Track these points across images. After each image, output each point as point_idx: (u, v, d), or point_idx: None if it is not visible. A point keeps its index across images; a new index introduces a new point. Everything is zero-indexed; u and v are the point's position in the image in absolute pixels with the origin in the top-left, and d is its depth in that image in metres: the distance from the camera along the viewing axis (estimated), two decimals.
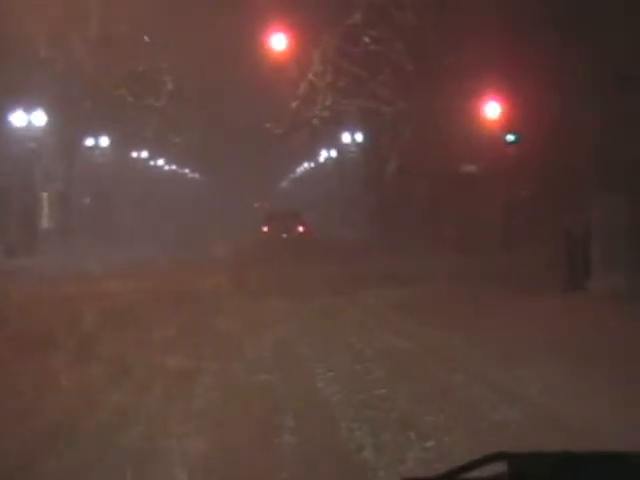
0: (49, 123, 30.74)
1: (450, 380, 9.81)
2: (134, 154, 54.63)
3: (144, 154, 56.14)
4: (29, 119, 29.95)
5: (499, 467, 2.38)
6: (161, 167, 67.65)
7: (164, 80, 34.51)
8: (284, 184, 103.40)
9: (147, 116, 36.62)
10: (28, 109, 29.78)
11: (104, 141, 42.69)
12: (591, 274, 16.18)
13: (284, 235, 35.08)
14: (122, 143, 45.03)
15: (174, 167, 74.22)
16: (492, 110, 22.70)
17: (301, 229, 35.86)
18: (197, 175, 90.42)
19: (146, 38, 34.35)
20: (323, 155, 60.37)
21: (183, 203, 73.03)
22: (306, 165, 78.71)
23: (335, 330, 13.77)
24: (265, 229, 35.94)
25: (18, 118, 30.02)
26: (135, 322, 14.55)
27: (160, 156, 62.57)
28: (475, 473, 2.38)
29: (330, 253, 30.15)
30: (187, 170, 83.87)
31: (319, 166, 66.54)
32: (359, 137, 43.63)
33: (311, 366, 10.91)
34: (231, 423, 8.10)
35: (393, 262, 23.92)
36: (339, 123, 40.91)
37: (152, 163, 62.85)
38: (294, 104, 36.06)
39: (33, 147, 30.59)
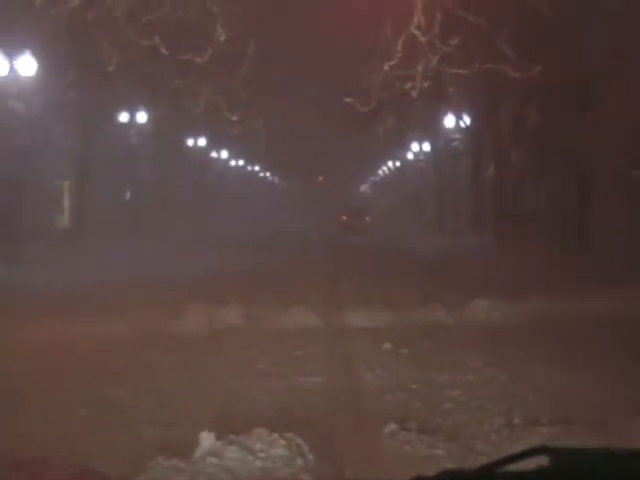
0: (42, 73, 21.17)
1: None
2: (190, 142, 45.62)
3: (201, 142, 46.72)
4: (12, 66, 20.42)
5: (541, 461, 2.16)
6: (225, 161, 58.31)
7: (212, 30, 25.49)
8: (363, 188, 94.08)
9: (191, 80, 27.77)
10: (11, 53, 20.51)
11: (142, 117, 33.67)
12: None
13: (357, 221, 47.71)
14: (168, 122, 35.72)
15: (241, 162, 64.98)
16: None
17: (368, 219, 49.18)
18: (268, 174, 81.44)
19: None
20: (413, 150, 50.29)
21: (246, 208, 63.87)
22: (390, 164, 69.07)
23: None
24: (344, 218, 49.38)
25: None
26: None
27: (222, 147, 53.30)
28: (516, 466, 2.25)
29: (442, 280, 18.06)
30: (257, 167, 74.57)
31: (407, 164, 56.81)
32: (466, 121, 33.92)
33: None
34: None
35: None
36: (443, 99, 31.55)
37: (214, 155, 53.63)
38: (387, 65, 26.95)
39: (17, 107, 20.89)
